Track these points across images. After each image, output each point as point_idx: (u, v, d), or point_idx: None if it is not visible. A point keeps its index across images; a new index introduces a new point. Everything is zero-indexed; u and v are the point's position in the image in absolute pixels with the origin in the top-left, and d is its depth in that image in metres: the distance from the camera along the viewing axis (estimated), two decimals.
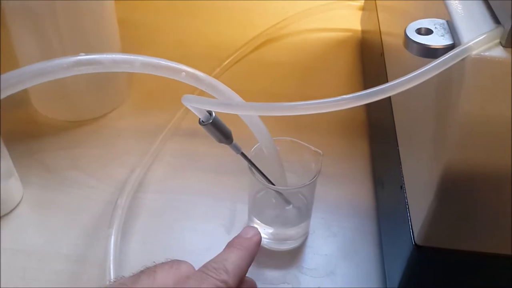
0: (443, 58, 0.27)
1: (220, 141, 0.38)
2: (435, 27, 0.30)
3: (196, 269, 0.30)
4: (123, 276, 0.29)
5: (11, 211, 0.49)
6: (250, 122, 0.39)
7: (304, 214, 0.46)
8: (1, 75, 0.27)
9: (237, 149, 0.39)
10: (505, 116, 0.27)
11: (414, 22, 0.30)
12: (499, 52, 0.26)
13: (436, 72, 0.27)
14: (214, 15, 0.81)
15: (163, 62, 0.31)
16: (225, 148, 0.39)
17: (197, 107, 0.34)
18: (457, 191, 0.30)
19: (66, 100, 0.59)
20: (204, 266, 0.29)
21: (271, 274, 0.44)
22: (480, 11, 0.29)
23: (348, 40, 0.76)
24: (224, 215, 0.49)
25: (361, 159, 0.56)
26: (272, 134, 0.41)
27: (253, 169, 0.41)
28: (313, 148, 0.44)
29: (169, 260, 0.30)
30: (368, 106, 0.61)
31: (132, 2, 0.82)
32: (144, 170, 0.53)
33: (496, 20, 0.28)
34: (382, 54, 0.52)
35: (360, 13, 0.79)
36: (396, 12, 0.48)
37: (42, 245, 0.46)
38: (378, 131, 0.54)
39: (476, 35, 0.26)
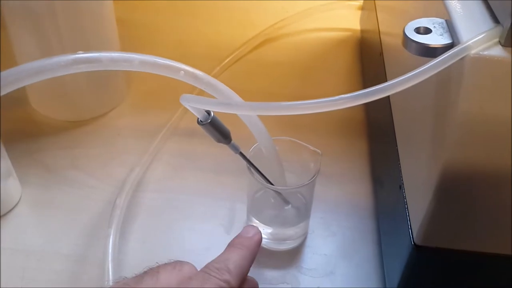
0: (442, 57, 0.26)
1: (219, 141, 0.38)
2: (434, 26, 0.29)
3: (198, 269, 0.30)
4: (126, 277, 0.29)
5: (10, 210, 0.49)
6: (249, 121, 0.39)
7: (303, 214, 0.46)
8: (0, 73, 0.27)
9: (235, 149, 0.39)
10: (504, 115, 0.27)
11: (413, 21, 0.30)
12: (498, 51, 0.26)
13: (435, 71, 0.27)
14: (214, 15, 0.81)
15: (161, 61, 0.31)
16: (223, 148, 0.39)
17: (195, 106, 0.34)
18: (456, 190, 0.30)
19: (65, 99, 0.59)
20: (206, 266, 0.30)
21: (270, 274, 0.44)
22: (479, 10, 0.29)
23: (347, 39, 0.76)
24: (223, 214, 0.49)
25: (360, 159, 0.56)
26: (271, 133, 0.41)
27: (252, 169, 0.41)
28: (312, 147, 0.44)
29: (171, 261, 0.30)
30: (367, 105, 0.61)
31: (132, 2, 0.82)
32: (143, 170, 0.53)
33: (495, 19, 0.28)
34: (381, 53, 0.52)
35: (359, 12, 0.79)
36: (395, 11, 0.48)
37: (42, 245, 0.46)
38: (377, 130, 0.54)
39: (475, 34, 0.26)
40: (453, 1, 0.30)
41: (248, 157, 0.40)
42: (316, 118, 0.60)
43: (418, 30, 0.29)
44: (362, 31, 0.75)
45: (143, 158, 0.53)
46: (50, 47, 0.53)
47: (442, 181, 0.30)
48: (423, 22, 0.30)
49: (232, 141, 0.38)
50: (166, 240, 0.47)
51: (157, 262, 0.30)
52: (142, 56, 0.30)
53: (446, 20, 0.30)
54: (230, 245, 0.32)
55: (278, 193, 0.44)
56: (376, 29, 0.58)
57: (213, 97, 0.35)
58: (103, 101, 0.61)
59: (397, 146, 0.42)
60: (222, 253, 0.31)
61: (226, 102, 0.35)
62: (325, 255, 0.46)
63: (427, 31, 0.29)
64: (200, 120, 0.36)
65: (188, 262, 0.30)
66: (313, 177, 0.42)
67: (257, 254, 0.33)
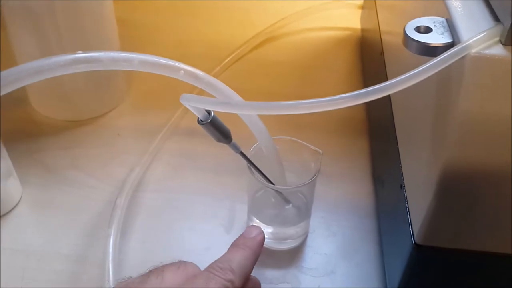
0: (443, 56, 0.26)
1: (219, 140, 0.37)
2: (435, 25, 0.29)
3: (201, 269, 0.30)
4: (130, 276, 0.29)
5: (10, 210, 0.49)
6: (249, 121, 0.39)
7: (304, 213, 0.46)
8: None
9: (236, 148, 0.39)
10: (505, 114, 0.27)
11: (413, 20, 0.30)
12: (498, 50, 0.26)
13: (436, 71, 0.27)
14: (214, 14, 0.81)
15: (161, 60, 0.31)
16: (224, 148, 0.39)
17: (195, 106, 0.34)
18: (457, 189, 0.30)
19: (65, 99, 0.59)
20: (210, 266, 0.30)
21: (271, 274, 0.44)
22: (480, 9, 0.29)
23: (348, 39, 0.76)
24: (223, 214, 0.49)
25: (361, 158, 0.56)
26: (271, 133, 0.41)
27: (252, 169, 0.41)
28: (312, 147, 0.44)
29: (175, 261, 0.30)
30: (367, 104, 0.61)
31: (132, 2, 0.82)
32: (143, 170, 0.53)
33: (496, 18, 0.28)
34: (382, 52, 0.52)
35: (359, 11, 0.79)
36: (396, 10, 0.48)
37: (42, 245, 0.46)
38: (377, 129, 0.54)
39: (476, 33, 0.26)
40: (453, 0, 0.30)
41: (248, 156, 0.40)
42: (317, 117, 0.59)
43: (418, 29, 0.29)
44: (362, 30, 0.75)
45: (143, 158, 0.53)
46: (50, 47, 0.53)
47: (442, 180, 0.30)
48: (424, 21, 0.30)
49: (233, 141, 0.38)
50: (166, 240, 0.47)
51: (161, 262, 0.30)
52: (141, 56, 0.30)
53: (446, 19, 0.30)
54: (233, 245, 0.33)
55: (278, 192, 0.44)
56: (377, 28, 0.58)
57: (213, 96, 0.35)
58: (103, 101, 0.61)
59: (397, 145, 0.41)
60: (225, 253, 0.32)
61: (226, 102, 0.35)
62: (326, 255, 0.46)
63: (428, 30, 0.29)
64: (201, 120, 0.36)
65: (191, 262, 0.30)
66: (314, 176, 0.42)
67: (259, 256, 0.33)
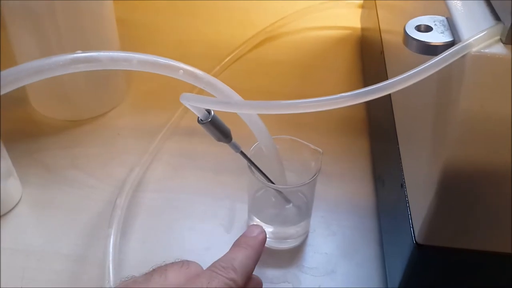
0: (443, 55, 0.26)
1: (219, 140, 0.37)
2: (435, 24, 0.29)
3: (203, 268, 0.30)
4: (134, 276, 0.29)
5: (10, 210, 0.49)
6: (249, 120, 0.39)
7: (304, 212, 0.46)
8: None
9: (236, 148, 0.39)
10: (505, 113, 0.27)
11: (413, 19, 0.30)
12: (499, 49, 0.26)
13: (436, 69, 0.27)
14: (214, 14, 0.81)
15: (160, 60, 0.31)
16: (224, 147, 0.39)
17: (195, 105, 0.34)
18: (458, 188, 0.30)
19: (65, 99, 0.59)
20: (213, 265, 0.30)
21: (272, 273, 0.44)
22: (480, 7, 0.29)
23: (348, 38, 0.76)
24: (223, 214, 0.49)
25: (361, 157, 0.56)
26: (271, 132, 0.41)
27: (253, 168, 0.41)
28: (312, 146, 0.44)
29: (178, 260, 0.30)
30: (368, 104, 0.61)
31: (132, 2, 0.82)
32: (143, 170, 0.52)
33: (496, 17, 0.28)
34: (382, 52, 0.52)
35: (359, 11, 0.79)
36: (396, 9, 0.48)
37: (42, 245, 0.46)
38: (378, 129, 0.54)
39: (476, 32, 0.26)
40: None
41: (248, 156, 0.40)
42: (317, 116, 0.60)
43: (419, 28, 0.29)
44: (362, 29, 0.75)
45: (143, 157, 0.53)
46: (50, 47, 0.53)
47: (443, 179, 0.30)
48: (424, 20, 0.30)
49: (233, 140, 0.38)
50: (166, 240, 0.47)
51: (164, 261, 0.30)
52: (141, 55, 0.30)
53: (447, 18, 0.30)
54: (235, 244, 0.33)
55: (279, 192, 0.44)
56: (377, 27, 0.58)
57: (213, 96, 0.35)
58: (103, 101, 0.61)
59: (398, 144, 0.41)
60: (227, 252, 0.32)
61: (226, 101, 0.35)
62: (326, 254, 0.46)
63: (428, 29, 0.29)
64: (201, 119, 0.36)
65: (194, 262, 0.31)
66: (314, 176, 0.42)
67: (260, 255, 0.33)
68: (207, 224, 0.48)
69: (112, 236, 0.44)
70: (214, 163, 0.55)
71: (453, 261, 0.34)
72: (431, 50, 0.28)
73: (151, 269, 0.30)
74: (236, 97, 0.36)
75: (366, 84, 0.28)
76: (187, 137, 0.58)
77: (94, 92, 0.59)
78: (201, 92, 0.36)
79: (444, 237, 0.33)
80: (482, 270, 0.35)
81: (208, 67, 0.66)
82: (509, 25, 0.26)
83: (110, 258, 0.42)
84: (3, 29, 0.55)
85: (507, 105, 0.27)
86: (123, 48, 0.61)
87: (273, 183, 0.42)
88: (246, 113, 0.38)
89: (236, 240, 0.33)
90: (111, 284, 0.40)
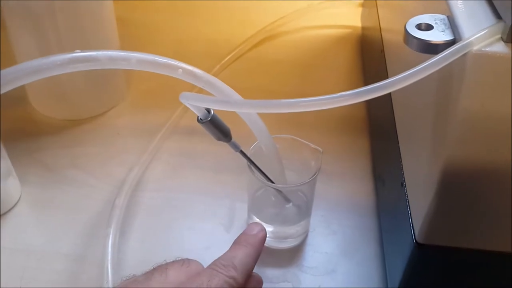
0: (444, 54, 0.26)
1: (219, 139, 0.37)
2: (436, 23, 0.29)
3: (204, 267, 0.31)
4: (135, 275, 0.29)
5: (9, 210, 0.49)
6: (249, 119, 0.38)
7: (304, 212, 0.46)
8: None
9: (236, 147, 0.39)
10: (506, 112, 0.27)
11: (414, 18, 0.30)
12: (500, 48, 0.26)
13: (437, 68, 0.26)
14: (214, 13, 0.81)
15: (159, 59, 0.31)
16: (224, 146, 0.39)
17: (195, 104, 0.34)
18: (458, 187, 0.30)
19: (65, 98, 0.59)
20: (213, 263, 0.30)
21: (271, 273, 0.44)
22: (481, 6, 0.29)
23: (348, 37, 0.76)
24: (223, 213, 0.49)
25: (361, 156, 0.56)
26: (271, 131, 0.40)
27: (252, 167, 0.41)
28: (312, 145, 0.43)
29: (179, 258, 0.31)
30: (368, 103, 0.61)
31: (132, 1, 0.81)
32: (142, 169, 0.52)
33: (497, 15, 0.28)
34: (382, 50, 0.52)
35: (359, 9, 0.78)
36: (396, 8, 0.48)
37: (41, 245, 0.46)
38: (378, 128, 0.54)
39: (477, 30, 0.26)
40: None
41: (248, 155, 0.40)
42: (317, 115, 0.60)
43: (419, 27, 0.29)
44: (363, 28, 0.75)
45: (143, 157, 0.53)
46: (50, 47, 0.53)
47: (443, 178, 0.30)
48: (425, 19, 0.29)
49: (233, 139, 0.38)
50: (165, 240, 0.47)
51: (165, 260, 0.30)
52: (139, 55, 0.30)
53: (447, 16, 0.30)
54: (236, 242, 0.33)
55: (278, 191, 0.44)
56: (377, 26, 0.58)
57: (212, 95, 0.35)
58: (102, 100, 0.61)
59: (398, 143, 0.41)
60: (227, 250, 0.32)
61: (226, 100, 0.35)
62: (326, 254, 0.46)
63: (429, 27, 0.29)
64: (200, 118, 0.35)
65: (195, 260, 0.31)
66: (314, 175, 0.42)
67: (260, 253, 0.33)
68: (206, 223, 0.48)
69: (110, 236, 0.44)
70: (214, 162, 0.55)
71: (453, 261, 0.34)
72: (431, 48, 0.28)
73: (151, 268, 0.30)
74: (236, 96, 0.36)
75: (366, 83, 0.27)
76: (187, 136, 0.58)
77: (93, 91, 0.59)
78: (200, 91, 0.36)
79: (444, 236, 0.33)
80: (482, 269, 0.35)
81: (208, 66, 0.66)
82: (510, 23, 0.26)
83: (109, 258, 0.42)
84: (3, 29, 0.55)
85: (508, 103, 0.26)
86: (123, 48, 0.61)
87: (273, 182, 0.42)
88: (245, 112, 0.38)
89: (237, 238, 0.33)
90: (110, 284, 0.40)
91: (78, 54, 0.28)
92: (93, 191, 0.51)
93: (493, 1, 0.29)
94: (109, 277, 0.41)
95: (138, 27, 0.77)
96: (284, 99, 0.29)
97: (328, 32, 0.77)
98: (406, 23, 0.29)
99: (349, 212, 0.50)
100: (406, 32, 0.29)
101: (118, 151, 0.56)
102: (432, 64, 0.26)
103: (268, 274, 0.44)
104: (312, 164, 0.43)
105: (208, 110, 0.35)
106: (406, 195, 0.37)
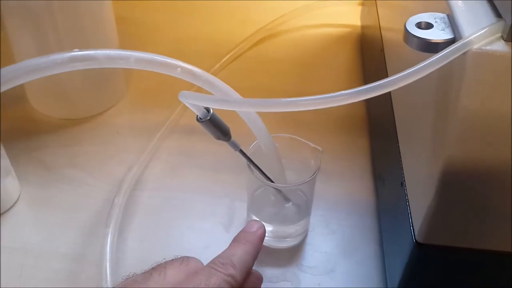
0: (444, 53, 0.26)
1: (218, 138, 0.37)
2: (436, 21, 0.29)
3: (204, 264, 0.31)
4: (135, 273, 0.29)
5: (8, 209, 0.49)
6: (248, 118, 0.38)
7: (304, 211, 0.46)
8: None
9: (235, 146, 0.39)
10: (506, 110, 0.27)
11: (414, 16, 0.29)
12: (500, 46, 0.26)
13: (437, 67, 0.26)
14: (213, 12, 0.81)
15: (158, 58, 0.31)
16: (223, 145, 0.38)
17: (194, 103, 0.34)
18: (458, 187, 0.30)
19: (64, 97, 0.58)
20: (212, 261, 0.30)
21: (271, 272, 0.44)
22: (481, 4, 0.29)
23: (348, 36, 0.76)
24: (222, 213, 0.49)
25: (361, 156, 0.56)
26: (270, 131, 0.40)
27: (252, 166, 0.41)
28: (312, 145, 0.43)
29: (178, 256, 0.31)
30: (368, 102, 0.61)
31: (132, 1, 0.81)
32: (141, 168, 0.52)
33: (497, 14, 0.28)
34: (382, 49, 0.52)
35: (359, 8, 0.78)
36: (396, 7, 0.48)
37: (40, 244, 0.46)
38: (378, 127, 0.54)
39: (477, 29, 0.26)
40: None
41: (248, 154, 0.40)
42: (317, 114, 0.60)
43: (419, 25, 0.29)
44: (362, 27, 0.75)
45: (142, 156, 0.53)
46: (49, 46, 0.53)
47: (443, 177, 0.30)
48: (425, 17, 0.29)
49: (232, 138, 0.38)
50: (164, 239, 0.47)
51: (164, 258, 0.30)
52: (138, 53, 0.30)
53: (447, 15, 0.29)
54: (235, 240, 0.33)
55: (278, 190, 0.44)
56: (377, 25, 0.58)
57: (211, 94, 0.35)
58: (102, 99, 0.61)
59: (398, 142, 0.41)
60: (226, 248, 0.32)
61: (225, 99, 0.35)
62: (326, 253, 0.46)
63: (429, 26, 0.29)
64: (200, 117, 0.35)
65: (194, 258, 0.31)
66: (314, 174, 0.42)
67: (260, 250, 0.33)
68: (206, 222, 0.48)
69: (109, 236, 0.44)
70: (213, 161, 0.54)
71: (453, 260, 0.34)
72: (431, 47, 0.28)
73: (150, 267, 0.30)
74: (235, 95, 0.36)
75: (366, 82, 0.27)
76: (186, 135, 0.58)
77: (92, 90, 0.59)
78: (199, 90, 0.36)
79: (444, 236, 0.33)
80: (482, 269, 0.35)
81: (207, 65, 0.65)
82: (510, 22, 0.25)
83: (107, 258, 0.42)
84: (2, 29, 0.55)
85: (508, 102, 0.26)
86: (122, 47, 0.61)
87: (272, 181, 0.42)
88: (245, 111, 0.38)
89: (236, 236, 0.33)
90: (108, 283, 0.40)
91: (77, 53, 0.28)
92: (92, 190, 0.51)
93: (493, 0, 0.29)
94: (107, 276, 0.41)
95: (138, 26, 0.77)
96: (283, 98, 0.29)
97: (328, 31, 0.77)
98: (406, 21, 0.29)
99: (348, 211, 0.50)
100: (406, 31, 0.29)
101: (117, 150, 0.56)
102: (432, 62, 0.26)
103: (267, 273, 0.44)
104: (312, 163, 0.43)
105: (208, 109, 0.35)
106: (406, 195, 0.37)
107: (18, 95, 0.61)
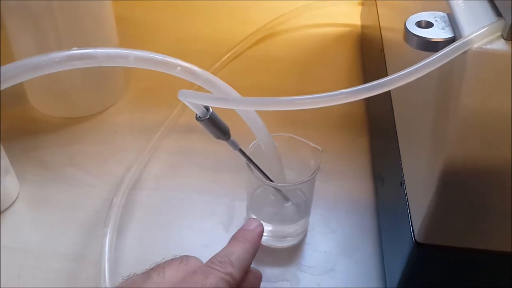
0: (444, 52, 0.26)
1: (218, 137, 0.37)
2: (436, 20, 0.29)
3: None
4: (135, 274, 0.29)
5: (7, 208, 0.49)
6: (248, 118, 0.38)
7: (303, 211, 0.46)
8: None
9: (235, 146, 0.39)
10: (506, 109, 0.27)
11: (414, 15, 0.29)
12: (500, 45, 0.26)
13: (437, 66, 0.26)
14: (213, 12, 0.81)
15: (157, 57, 0.31)
16: (222, 145, 0.38)
17: (193, 102, 0.34)
18: (458, 186, 0.30)
19: (63, 96, 0.58)
20: (210, 260, 0.30)
21: (270, 272, 0.44)
22: (481, 3, 0.29)
23: (348, 35, 0.76)
24: (222, 212, 0.49)
25: (361, 155, 0.56)
26: (270, 130, 0.40)
27: (251, 166, 0.41)
28: (312, 144, 0.43)
29: (177, 256, 0.31)
30: (367, 101, 0.61)
31: (132, 1, 0.81)
32: (140, 167, 0.52)
33: (498, 13, 0.27)
34: (382, 49, 0.52)
35: (359, 8, 0.78)
36: (396, 6, 0.48)
37: (39, 243, 0.46)
38: (378, 126, 0.54)
39: (477, 28, 0.26)
40: None
41: (247, 153, 0.40)
42: (316, 113, 0.60)
43: (419, 24, 0.29)
44: (362, 26, 0.75)
45: (141, 155, 0.53)
46: (49, 46, 0.53)
47: (443, 177, 0.30)
48: (425, 16, 0.29)
49: (231, 138, 0.38)
50: (164, 238, 0.47)
51: (163, 258, 0.30)
52: (137, 52, 0.30)
53: (447, 14, 0.29)
54: (233, 238, 0.33)
55: (277, 190, 0.44)
56: (377, 24, 0.58)
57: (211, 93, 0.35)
58: (101, 98, 0.61)
59: (398, 142, 0.41)
60: (225, 247, 0.32)
61: (224, 97, 0.35)
62: (325, 253, 0.46)
63: (429, 25, 0.29)
64: (199, 116, 0.35)
65: (194, 256, 0.31)
66: (313, 173, 0.42)
67: (258, 248, 0.33)
68: (205, 222, 0.48)
69: (108, 236, 0.43)
70: (213, 160, 0.54)
71: (453, 260, 0.34)
72: (431, 46, 0.28)
73: (150, 267, 0.29)
74: (234, 93, 0.36)
75: (366, 82, 0.27)
76: (186, 134, 0.58)
77: (92, 89, 0.59)
78: (199, 89, 0.36)
79: (444, 236, 0.33)
80: (482, 269, 0.35)
81: (207, 65, 0.65)
82: (511, 21, 0.25)
83: (106, 258, 0.42)
84: (2, 28, 0.55)
85: (508, 101, 0.26)
86: (122, 47, 0.60)
87: (272, 181, 0.41)
88: (244, 110, 0.38)
89: (234, 234, 0.33)
90: (107, 283, 0.40)
91: (76, 51, 0.28)
92: (91, 189, 0.51)
93: None
94: (106, 277, 0.41)
95: (138, 26, 0.77)
96: (283, 97, 0.29)
97: (328, 31, 0.77)
98: (406, 20, 0.29)
99: (348, 211, 0.50)
100: (406, 30, 0.29)
101: (117, 150, 0.56)
102: (432, 61, 0.26)
103: (267, 273, 0.44)
104: (311, 163, 0.43)
105: (207, 108, 0.35)
106: (405, 194, 0.37)
107: (17, 94, 0.61)
